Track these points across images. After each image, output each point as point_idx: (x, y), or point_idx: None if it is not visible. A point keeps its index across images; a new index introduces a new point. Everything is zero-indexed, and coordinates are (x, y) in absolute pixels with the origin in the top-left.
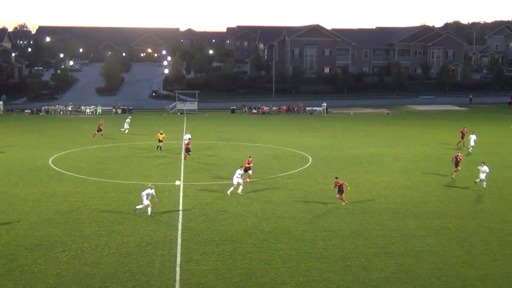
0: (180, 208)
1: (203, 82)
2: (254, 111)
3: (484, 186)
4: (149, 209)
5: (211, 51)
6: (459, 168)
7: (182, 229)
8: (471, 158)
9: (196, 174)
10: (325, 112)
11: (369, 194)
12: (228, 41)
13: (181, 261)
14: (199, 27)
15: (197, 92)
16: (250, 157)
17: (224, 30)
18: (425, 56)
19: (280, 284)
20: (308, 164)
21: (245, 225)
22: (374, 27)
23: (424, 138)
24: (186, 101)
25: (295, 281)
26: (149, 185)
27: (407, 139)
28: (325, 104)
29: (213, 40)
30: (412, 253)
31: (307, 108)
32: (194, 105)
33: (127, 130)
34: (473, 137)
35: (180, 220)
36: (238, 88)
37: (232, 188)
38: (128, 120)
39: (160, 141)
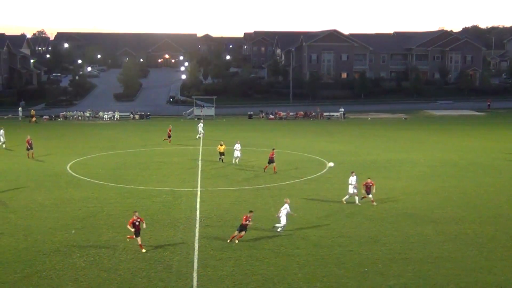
0: (197, 213)
1: (220, 87)
2: (271, 116)
3: None
4: (279, 225)
5: (228, 57)
6: None
7: (199, 235)
8: None
9: (213, 179)
10: (342, 117)
11: (386, 200)
12: (245, 47)
13: (198, 267)
14: (216, 33)
15: (214, 97)
16: (273, 149)
17: (241, 35)
18: (443, 61)
19: None
20: (325, 169)
21: (262, 231)
22: (391, 32)
23: (442, 143)
24: (203, 106)
25: (312, 287)
26: (285, 200)
27: (425, 144)
28: (343, 109)
29: (230, 46)
30: (430, 259)
31: (324, 113)
32: (211, 111)
33: (202, 135)
34: None
35: (197, 225)
36: (255, 93)
37: (347, 197)
38: (201, 124)
39: (221, 153)
